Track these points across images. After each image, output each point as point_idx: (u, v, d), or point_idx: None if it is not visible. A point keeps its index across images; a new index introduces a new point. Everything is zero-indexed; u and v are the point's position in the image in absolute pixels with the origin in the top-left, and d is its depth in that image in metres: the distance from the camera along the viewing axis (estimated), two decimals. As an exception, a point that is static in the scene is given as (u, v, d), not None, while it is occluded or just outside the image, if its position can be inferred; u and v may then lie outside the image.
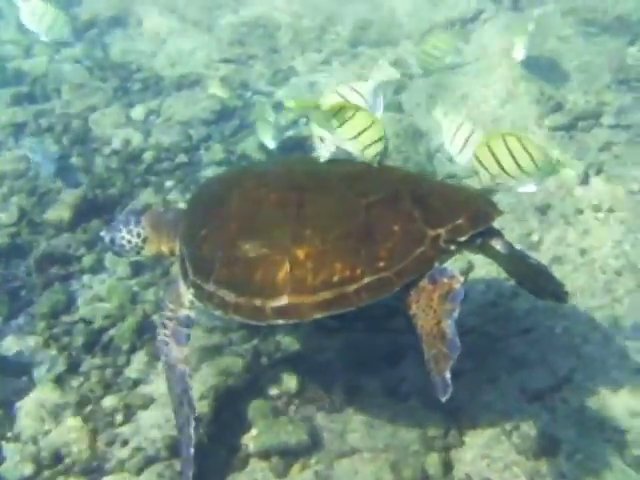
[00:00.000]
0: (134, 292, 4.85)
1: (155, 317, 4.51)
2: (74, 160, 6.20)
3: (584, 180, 5.51)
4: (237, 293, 3.47)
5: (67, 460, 3.80)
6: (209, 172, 6.07)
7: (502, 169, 3.62)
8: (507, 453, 3.66)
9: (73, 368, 4.34)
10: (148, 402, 4.10)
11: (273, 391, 4.06)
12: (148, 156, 6.21)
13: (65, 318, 4.71)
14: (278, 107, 6.91)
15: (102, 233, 4.24)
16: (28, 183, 5.87)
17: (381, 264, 3.29)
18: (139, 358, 4.39)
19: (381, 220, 3.38)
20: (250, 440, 3.82)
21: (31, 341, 4.51)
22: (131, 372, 4.32)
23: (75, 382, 4.24)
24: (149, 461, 3.76)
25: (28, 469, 3.74)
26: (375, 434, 3.81)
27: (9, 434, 3.97)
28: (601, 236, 4.99)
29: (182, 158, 6.26)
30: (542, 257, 4.89)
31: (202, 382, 4.13)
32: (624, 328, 4.31)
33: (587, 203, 5.28)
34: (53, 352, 4.40)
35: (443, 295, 3.17)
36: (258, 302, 3.41)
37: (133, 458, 3.77)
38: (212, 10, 8.72)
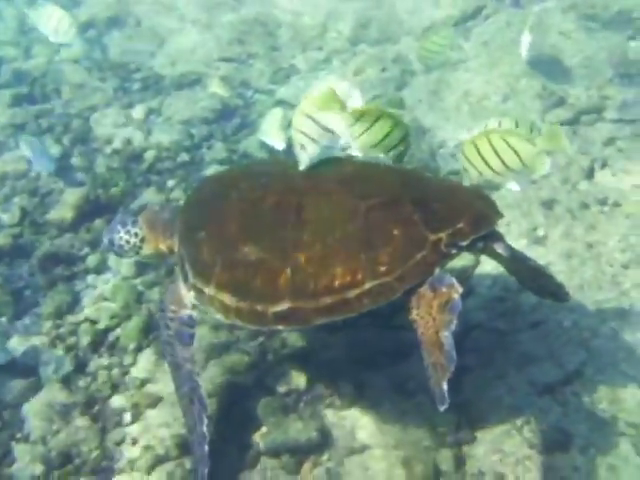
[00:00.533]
0: (139, 291, 4.83)
1: (157, 317, 4.48)
2: (75, 160, 6.17)
3: (589, 174, 5.51)
4: (238, 297, 3.44)
5: (77, 460, 3.79)
6: (211, 171, 6.04)
7: (489, 167, 3.62)
8: (519, 448, 3.65)
9: (80, 368, 4.32)
10: (156, 401, 4.07)
11: (281, 388, 4.05)
12: (149, 155, 6.19)
13: (70, 318, 4.68)
14: (280, 105, 6.91)
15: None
16: (30, 184, 5.85)
17: (382, 269, 3.24)
18: (146, 357, 4.36)
19: (381, 224, 3.33)
20: (260, 438, 3.81)
21: (37, 341, 4.48)
22: (138, 371, 4.29)
23: (82, 382, 4.22)
24: (159, 460, 3.75)
25: (38, 469, 3.72)
26: (385, 430, 3.80)
27: (18, 435, 3.96)
28: (607, 230, 4.98)
29: (184, 157, 6.24)
30: (549, 252, 4.88)
31: (210, 380, 4.10)
32: (632, 321, 4.29)
33: (593, 197, 5.27)
34: (60, 352, 4.37)
35: (442, 304, 3.14)
36: (259, 307, 3.38)
37: (143, 457, 3.76)
38: (211, 9, 8.71)
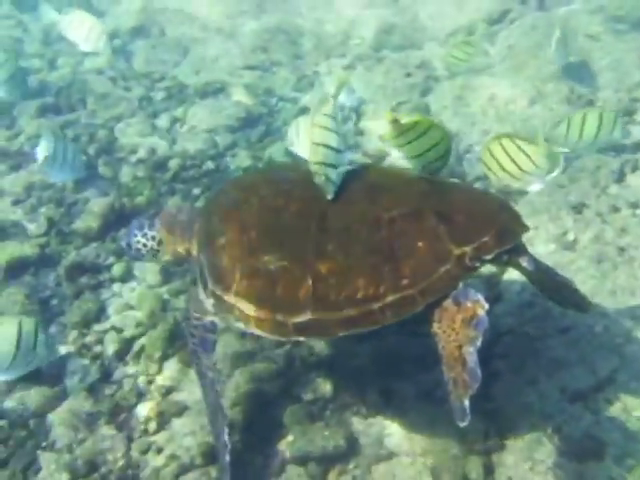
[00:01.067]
0: (164, 300, 4.81)
1: (183, 325, 4.47)
2: (101, 169, 6.19)
3: (620, 178, 5.42)
4: (258, 306, 3.40)
5: (102, 469, 3.77)
6: (236, 179, 6.04)
7: (505, 172, 3.71)
8: (550, 456, 3.57)
9: (106, 376, 4.32)
10: (182, 410, 4.05)
11: (307, 396, 4.01)
12: (174, 164, 6.19)
13: (96, 327, 4.68)
14: (304, 112, 6.90)
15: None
16: (56, 194, 5.88)
17: (405, 282, 3.20)
18: (171, 366, 4.34)
19: (405, 236, 3.29)
20: (286, 446, 3.77)
21: (63, 350, 4.48)
22: (164, 380, 4.27)
23: (108, 390, 4.21)
24: (184, 469, 3.72)
25: (64, 478, 3.71)
26: (413, 438, 3.75)
27: (44, 443, 3.95)
28: (639, 234, 4.88)
29: (209, 165, 6.23)
30: (579, 256, 4.80)
31: (235, 389, 4.08)
32: (667, 326, 4.21)
33: (624, 201, 5.17)
34: (86, 361, 4.37)
35: (466, 319, 3.10)
36: (280, 317, 3.34)
37: (168, 466, 3.74)
38: (234, 17, 8.74)
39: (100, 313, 4.82)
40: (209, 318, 3.71)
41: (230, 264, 3.53)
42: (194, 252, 3.97)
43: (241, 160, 6.29)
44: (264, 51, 8.17)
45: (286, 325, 3.33)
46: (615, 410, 3.76)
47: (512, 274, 4.70)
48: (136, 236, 4.16)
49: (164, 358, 4.40)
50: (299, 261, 3.35)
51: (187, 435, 3.89)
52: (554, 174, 3.88)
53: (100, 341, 4.55)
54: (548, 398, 3.85)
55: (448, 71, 7.18)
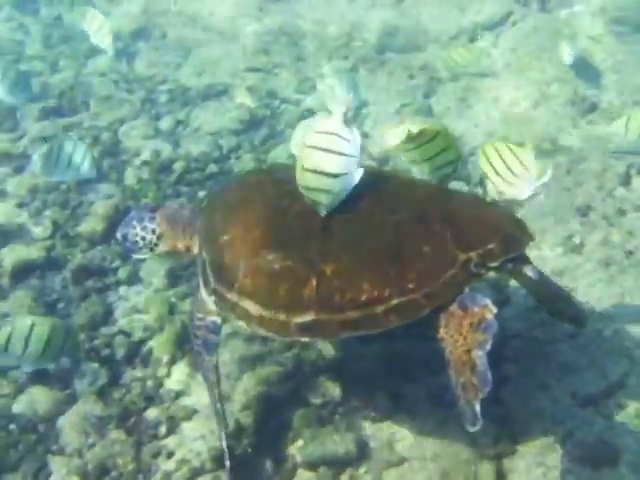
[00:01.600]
0: (171, 303, 4.80)
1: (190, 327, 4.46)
2: (105, 172, 6.18)
3: (625, 181, 5.43)
4: (261, 305, 3.38)
5: (113, 473, 3.75)
6: (240, 181, 6.02)
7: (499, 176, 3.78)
8: (563, 461, 3.56)
9: (114, 380, 4.30)
10: (191, 413, 4.04)
11: (316, 400, 3.99)
12: (178, 166, 6.18)
13: (104, 330, 4.66)
14: (307, 115, 6.91)
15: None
16: (60, 196, 5.86)
17: (410, 286, 3.19)
18: (180, 369, 4.33)
19: (411, 240, 3.29)
20: (296, 450, 3.76)
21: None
22: (172, 383, 4.26)
23: (117, 394, 4.19)
24: (195, 473, 3.71)
25: (75, 483, 3.71)
26: (423, 443, 3.74)
27: (54, 447, 3.93)
28: (646, 237, 4.90)
29: (213, 168, 6.22)
30: (586, 260, 4.80)
31: (244, 392, 4.08)
32: (676, 330, 4.21)
33: (630, 204, 5.19)
34: (94, 364, 4.35)
35: (474, 324, 3.09)
36: (283, 317, 3.32)
37: (179, 470, 3.72)
38: (236, 19, 8.71)
39: (107, 316, 4.80)
40: (211, 318, 3.69)
41: (233, 262, 3.51)
42: (194, 249, 3.95)
43: (245, 163, 6.29)
44: (266, 53, 8.16)
45: (288, 325, 3.32)
46: (627, 415, 3.76)
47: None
48: (134, 228, 4.08)
49: (172, 362, 4.39)
50: (303, 261, 3.33)
51: (197, 439, 3.87)
52: (544, 179, 3.91)
53: (108, 344, 4.53)
54: (559, 403, 3.84)
55: (450, 73, 7.17)
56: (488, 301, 3.14)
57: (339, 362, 4.22)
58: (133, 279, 5.10)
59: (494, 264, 3.26)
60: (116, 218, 5.49)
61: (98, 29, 6.67)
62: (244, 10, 8.76)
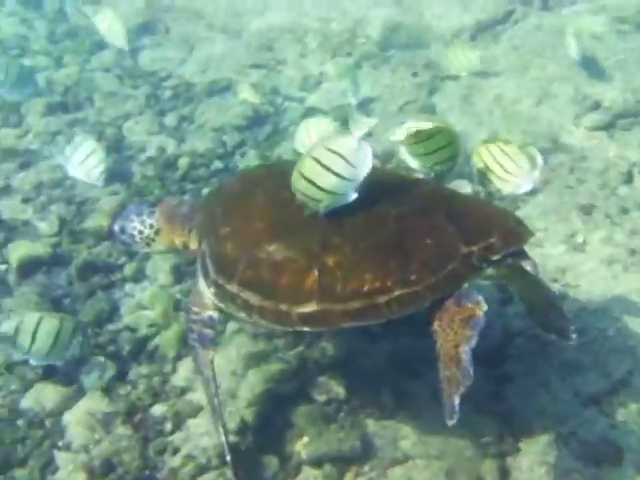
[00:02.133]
0: (177, 299, 4.81)
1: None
2: (110, 168, 6.18)
3: (628, 179, 5.45)
4: (262, 296, 3.41)
5: (119, 469, 3.78)
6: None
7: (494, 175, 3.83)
8: (565, 460, 3.60)
9: (120, 376, 4.32)
10: (197, 410, 4.06)
11: (321, 397, 4.02)
12: (183, 163, 6.20)
13: (110, 327, 4.69)
14: (310, 112, 6.92)
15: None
16: (65, 192, 5.89)
17: (412, 277, 3.23)
18: (185, 366, 4.34)
19: (413, 233, 3.33)
20: (302, 447, 3.78)
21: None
22: (178, 380, 4.28)
23: (123, 390, 4.22)
24: (201, 469, 3.74)
25: (82, 478, 3.73)
26: (427, 440, 3.77)
27: (60, 443, 3.96)
28: (650, 235, 4.93)
29: (217, 164, 6.24)
30: (589, 258, 4.83)
31: (249, 389, 4.10)
32: (679, 329, 4.24)
33: (633, 202, 5.20)
34: (100, 361, 4.38)
35: (465, 319, 3.14)
36: (284, 307, 3.35)
37: (185, 467, 3.75)
38: (240, 16, 8.69)
39: (113, 313, 4.82)
40: (208, 313, 3.71)
41: (234, 254, 3.53)
42: (192, 245, 3.97)
43: (250, 159, 6.31)
44: (270, 50, 8.16)
45: (290, 315, 3.34)
46: (630, 414, 3.79)
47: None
48: (133, 222, 4.08)
49: (178, 358, 4.41)
50: (305, 252, 3.36)
51: (203, 435, 3.90)
52: (534, 176, 3.94)
53: (114, 341, 4.56)
54: (562, 401, 3.88)
55: (450, 71, 7.18)
56: (480, 298, 3.20)
57: (344, 360, 4.24)
58: (139, 276, 5.12)
59: (495, 257, 3.30)
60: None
61: (110, 27, 6.68)
62: (248, 6, 8.75)
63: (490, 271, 3.40)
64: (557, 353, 4.11)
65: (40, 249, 5.22)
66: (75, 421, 4.03)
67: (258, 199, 3.63)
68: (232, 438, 3.70)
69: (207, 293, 3.69)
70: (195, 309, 3.74)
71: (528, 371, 4.05)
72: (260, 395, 4.06)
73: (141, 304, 4.85)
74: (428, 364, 4.05)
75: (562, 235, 5.08)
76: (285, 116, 7.07)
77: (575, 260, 4.87)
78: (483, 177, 3.84)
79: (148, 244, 4.11)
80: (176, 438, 3.94)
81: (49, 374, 4.29)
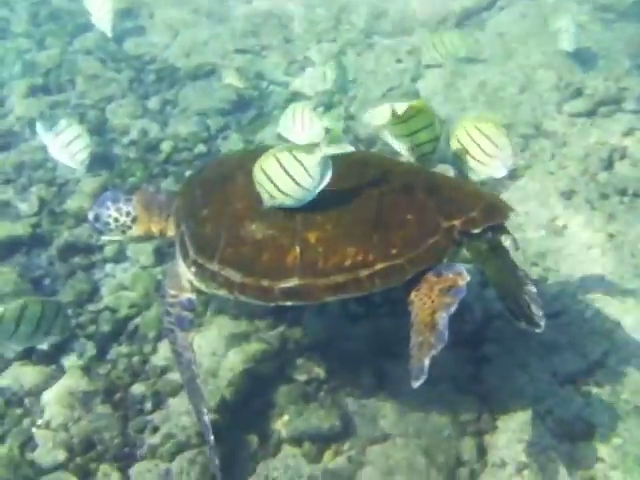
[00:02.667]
0: (158, 280, 4.80)
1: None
2: (93, 151, 6.14)
3: (608, 165, 5.48)
4: (243, 273, 3.43)
5: (99, 447, 3.79)
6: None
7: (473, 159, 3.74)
8: (542, 437, 3.65)
9: (100, 356, 4.33)
10: (177, 389, 4.06)
11: (302, 377, 4.04)
12: (166, 146, 6.17)
13: (90, 307, 4.68)
14: (295, 97, 6.92)
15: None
16: (47, 174, 5.85)
17: (394, 251, 3.28)
18: (165, 346, 4.31)
19: (394, 209, 3.37)
20: (282, 426, 3.81)
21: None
22: (158, 360, 4.29)
23: (103, 370, 4.22)
24: (181, 447, 3.75)
25: (61, 455, 3.73)
26: (406, 419, 3.80)
27: (39, 421, 3.96)
28: (628, 220, 4.96)
29: (201, 148, 6.22)
30: (569, 242, 4.87)
31: (230, 369, 4.12)
32: (656, 312, 4.28)
33: (612, 188, 5.23)
34: (80, 340, 4.37)
35: (445, 289, 3.17)
36: (266, 283, 3.38)
37: (165, 445, 3.77)
38: (225, 1, 8.66)
39: (93, 293, 4.81)
40: (186, 295, 3.73)
41: (214, 233, 3.56)
42: (170, 232, 3.97)
43: (233, 143, 6.29)
44: (255, 35, 8.12)
45: (271, 290, 3.37)
46: (604, 393, 3.84)
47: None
48: (109, 209, 4.02)
49: (158, 338, 4.41)
50: (287, 230, 3.39)
51: (183, 414, 3.90)
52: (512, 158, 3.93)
53: (94, 321, 4.55)
54: (539, 381, 3.92)
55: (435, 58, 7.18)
56: (463, 269, 3.23)
57: (324, 341, 4.26)
58: (120, 256, 5.10)
59: (476, 230, 3.34)
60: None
61: (99, 9, 6.55)
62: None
63: (470, 246, 3.42)
64: (535, 334, 4.13)
65: (20, 229, 5.20)
66: (54, 400, 4.03)
67: (238, 181, 3.63)
68: (212, 416, 3.71)
69: (186, 275, 3.70)
70: (172, 292, 3.75)
71: (507, 352, 4.09)
72: (240, 375, 4.08)
73: (122, 285, 4.84)
74: (408, 345, 4.10)
75: (543, 220, 5.12)
76: (269, 101, 7.06)
77: (555, 244, 4.90)
78: (459, 159, 3.80)
79: (123, 232, 4.06)
80: (156, 417, 3.95)
81: (28, 353, 4.27)
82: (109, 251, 5.11)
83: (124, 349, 4.37)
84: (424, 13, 7.98)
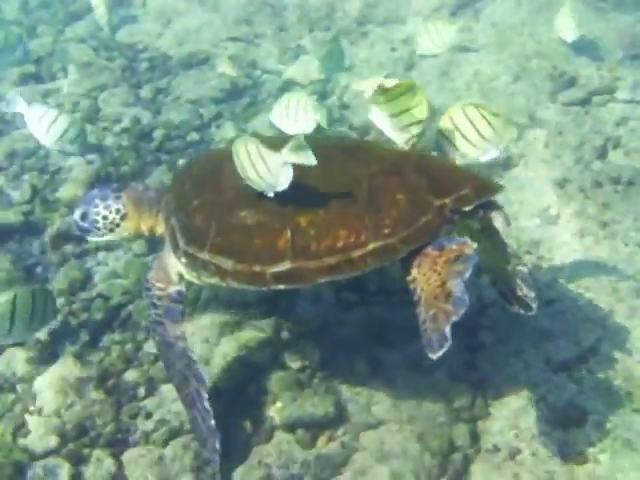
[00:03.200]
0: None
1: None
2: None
3: (602, 154, 5.50)
4: (235, 260, 3.43)
5: (92, 432, 3.78)
6: (221, 150, 6.00)
7: (466, 140, 3.70)
8: (535, 423, 3.66)
9: (93, 343, 4.31)
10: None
11: (295, 364, 4.03)
12: (159, 134, 6.15)
13: (83, 295, 4.66)
14: (288, 85, 6.90)
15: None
16: (39, 161, 5.82)
17: (386, 231, 3.28)
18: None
19: (385, 189, 3.38)
20: (275, 413, 3.81)
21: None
22: (151, 347, 4.24)
23: (96, 357, 4.20)
24: (174, 433, 3.75)
25: (53, 441, 3.72)
26: (400, 406, 3.80)
27: (32, 407, 3.94)
28: (621, 209, 4.96)
29: (194, 136, 6.20)
30: (562, 231, 4.88)
31: (223, 357, 4.11)
32: (649, 300, 4.30)
33: (606, 176, 5.24)
34: (73, 327, 4.35)
35: (451, 259, 3.16)
36: (258, 268, 3.38)
37: (158, 430, 3.76)
38: (218, -10, 8.62)
39: (86, 281, 4.79)
40: (174, 288, 3.75)
41: (204, 223, 3.56)
42: (159, 228, 3.96)
43: (226, 131, 6.27)
44: (248, 23, 8.09)
45: (264, 275, 3.37)
46: (597, 380, 3.86)
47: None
48: (97, 207, 3.96)
49: (151, 325, 4.40)
50: (277, 216, 3.40)
51: (176, 401, 3.85)
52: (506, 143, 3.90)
53: (87, 308, 4.53)
54: (533, 368, 3.93)
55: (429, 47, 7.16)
56: (467, 239, 3.23)
57: (318, 328, 4.25)
58: (112, 245, 5.07)
59: (468, 208, 3.34)
60: (97, 184, 5.48)
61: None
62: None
63: (462, 226, 3.42)
64: (529, 322, 4.15)
65: (12, 217, 5.18)
66: (47, 386, 4.01)
67: (226, 171, 3.60)
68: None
69: (176, 267, 3.72)
70: (160, 285, 3.76)
71: (501, 340, 4.10)
72: (234, 362, 4.07)
73: (115, 272, 4.83)
74: (402, 333, 4.12)
75: (536, 208, 5.13)
76: (262, 89, 7.04)
77: (549, 233, 4.91)
78: (445, 139, 3.74)
79: (112, 230, 4.01)
80: (149, 403, 3.95)
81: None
82: (101, 239, 5.08)
83: (117, 336, 4.35)
84: (418, 2, 7.96)
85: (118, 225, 4.00)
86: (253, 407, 3.84)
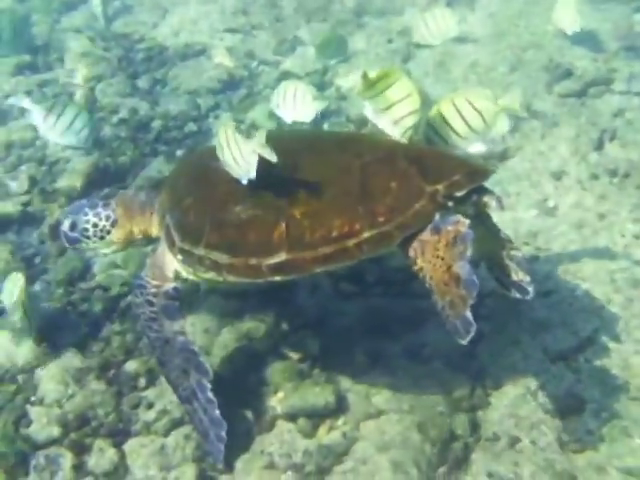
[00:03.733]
0: (150, 259, 4.80)
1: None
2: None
3: (598, 146, 5.52)
4: (230, 254, 3.45)
5: (94, 422, 3.80)
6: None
7: (454, 131, 3.66)
8: (533, 412, 3.69)
9: (94, 334, 4.32)
10: (171, 366, 4.06)
11: (295, 355, 4.05)
12: (157, 125, 6.16)
13: (82, 285, 4.67)
14: (285, 76, 6.89)
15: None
16: (37, 152, 5.82)
17: (380, 219, 3.30)
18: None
19: (378, 178, 3.39)
20: (277, 402, 3.83)
21: (49, 307, 4.47)
22: (151, 339, 4.28)
23: (96, 347, 4.22)
24: (175, 423, 3.77)
25: (56, 431, 3.74)
26: (400, 396, 3.82)
27: (33, 398, 3.96)
28: (618, 201, 5.00)
29: (191, 127, 6.21)
30: (560, 222, 4.91)
31: (223, 347, 4.12)
32: (646, 290, 4.33)
33: (602, 168, 5.28)
34: (73, 318, 4.36)
35: (450, 241, 3.17)
36: (253, 260, 3.40)
37: (159, 420, 3.78)
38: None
39: (85, 272, 4.81)
40: (170, 285, 3.77)
41: (199, 219, 3.58)
42: (154, 230, 3.97)
43: (223, 122, 6.27)
44: (245, 14, 8.09)
45: (260, 267, 3.39)
46: (594, 369, 3.88)
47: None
48: (87, 215, 3.96)
49: (151, 316, 4.40)
50: (271, 208, 3.42)
51: (177, 391, 3.91)
52: (498, 133, 3.88)
53: (86, 299, 4.54)
54: (531, 358, 3.96)
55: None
56: (459, 216, 3.23)
57: (318, 319, 4.27)
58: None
59: (460, 193, 3.35)
60: (95, 176, 5.50)
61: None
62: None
63: (456, 211, 3.43)
64: (527, 312, 4.19)
65: (10, 208, 5.19)
66: (48, 376, 4.03)
67: (219, 167, 3.57)
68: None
69: (172, 264, 3.74)
70: (155, 282, 3.78)
71: (499, 330, 4.12)
72: (234, 352, 4.09)
73: (114, 263, 4.84)
74: (401, 324, 4.15)
75: (534, 200, 5.16)
76: (259, 80, 7.04)
77: (546, 224, 4.94)
78: (435, 128, 3.72)
79: (102, 237, 3.99)
80: (150, 393, 3.96)
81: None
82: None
83: (117, 327, 4.36)
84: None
85: (109, 232, 3.99)
86: (254, 397, 3.86)
